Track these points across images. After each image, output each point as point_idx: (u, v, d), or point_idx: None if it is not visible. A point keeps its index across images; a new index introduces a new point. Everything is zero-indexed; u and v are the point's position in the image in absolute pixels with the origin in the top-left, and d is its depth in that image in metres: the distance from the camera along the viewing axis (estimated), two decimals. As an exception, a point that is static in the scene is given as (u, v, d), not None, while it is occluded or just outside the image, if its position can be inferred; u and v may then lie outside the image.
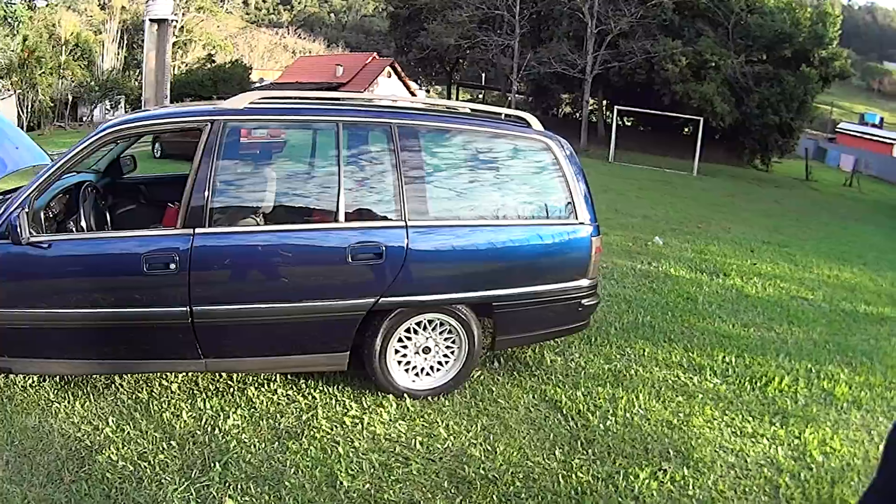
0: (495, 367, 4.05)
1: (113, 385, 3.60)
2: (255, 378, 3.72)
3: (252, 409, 3.43)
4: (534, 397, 3.65)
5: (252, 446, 3.10)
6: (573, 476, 2.92)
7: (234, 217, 3.40)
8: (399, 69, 52.55)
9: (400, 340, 3.50)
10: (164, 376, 3.67)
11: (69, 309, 3.19)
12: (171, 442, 3.10)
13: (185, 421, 3.28)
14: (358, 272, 3.36)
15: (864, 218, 20.17)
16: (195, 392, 3.58)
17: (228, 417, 3.32)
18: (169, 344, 3.34)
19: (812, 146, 38.70)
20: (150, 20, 11.91)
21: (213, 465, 2.92)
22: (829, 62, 30.23)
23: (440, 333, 3.55)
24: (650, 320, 5.52)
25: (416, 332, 3.52)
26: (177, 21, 32.54)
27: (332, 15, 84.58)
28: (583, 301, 3.84)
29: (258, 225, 3.42)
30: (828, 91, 34.16)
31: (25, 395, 3.43)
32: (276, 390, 3.62)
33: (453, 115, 4.09)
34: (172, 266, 3.11)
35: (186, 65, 39.44)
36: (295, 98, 3.92)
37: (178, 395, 3.55)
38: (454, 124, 3.71)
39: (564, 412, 3.52)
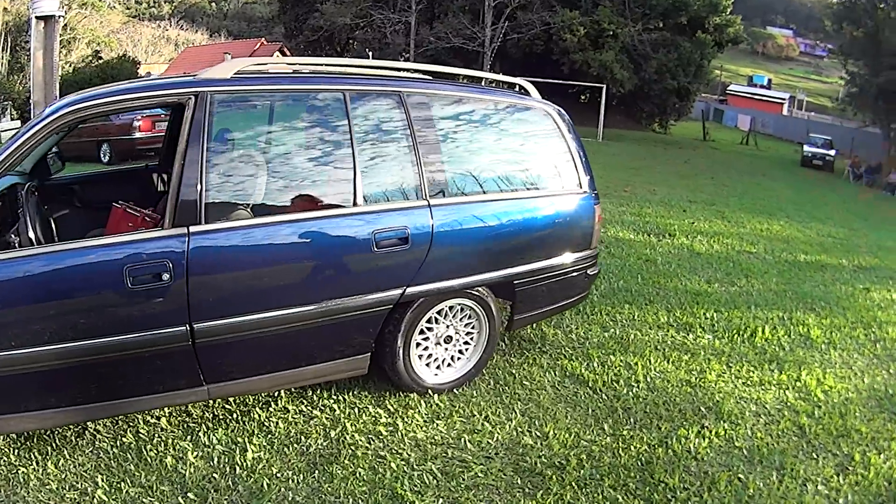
0: (503, 348, 4.07)
1: (87, 433, 2.93)
2: (255, 396, 3.27)
3: (269, 435, 2.97)
4: (556, 374, 3.71)
5: (290, 481, 2.66)
6: (631, 447, 3.00)
7: (233, 209, 2.89)
8: (288, 54, 51.74)
9: (421, 332, 3.30)
10: (146, 412, 3.06)
11: (27, 348, 2.53)
12: (188, 495, 2.57)
13: (193, 464, 2.74)
14: (383, 261, 3.05)
15: (769, 173, 21.64)
16: (190, 425, 3.03)
17: (246, 450, 2.82)
18: (163, 373, 2.81)
19: (707, 108, 41.12)
20: (37, 17, 10.95)
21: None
22: (724, 28, 32.18)
23: (460, 320, 3.44)
24: (624, 285, 5.71)
25: (436, 321, 3.35)
26: (64, 17, 30.33)
27: (213, 4, 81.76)
28: (588, 271, 3.91)
29: (264, 216, 2.91)
30: (718, 55, 36.17)
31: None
32: (285, 407, 3.20)
33: (463, 84, 3.88)
34: (166, 276, 2.62)
35: (72, 64, 36.97)
36: (293, 65, 3.54)
37: (173, 431, 2.97)
38: (466, 93, 3.52)
39: (591, 385, 3.61)
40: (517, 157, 3.60)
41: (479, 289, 3.37)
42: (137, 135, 14.13)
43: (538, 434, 3.06)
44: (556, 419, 3.21)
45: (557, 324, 4.54)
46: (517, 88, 3.85)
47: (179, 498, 2.54)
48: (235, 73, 2.95)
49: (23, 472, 2.65)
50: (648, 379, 3.76)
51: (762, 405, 3.59)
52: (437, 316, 3.35)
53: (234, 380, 2.92)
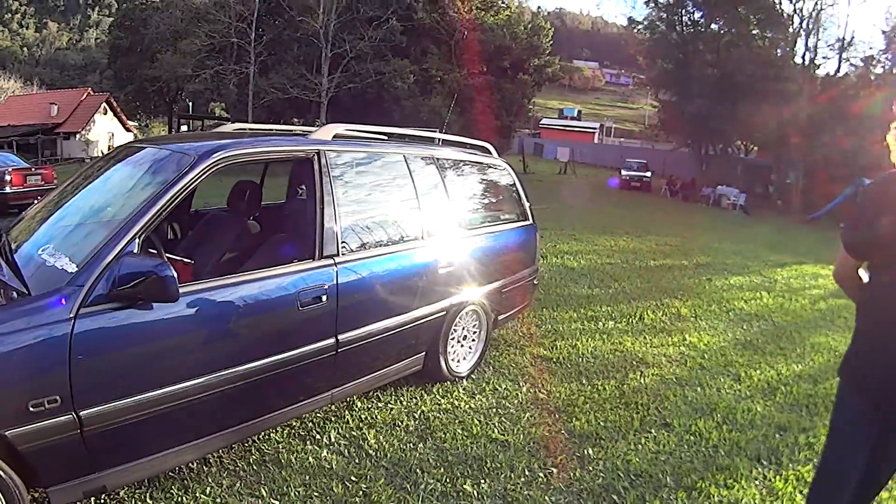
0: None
1: (210, 462, 3.27)
2: (338, 403, 3.98)
3: (373, 426, 3.77)
4: (529, 358, 5.17)
5: (416, 449, 3.52)
6: (605, 389, 4.61)
7: (357, 243, 3.64)
8: (115, 105, 49.84)
9: (451, 332, 4.43)
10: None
11: (193, 379, 2.82)
12: (351, 478, 3.20)
13: (330, 459, 3.39)
14: (443, 279, 4.18)
15: (592, 198, 24.84)
16: (300, 433, 3.66)
17: (366, 438, 3.61)
18: (308, 383, 3.45)
19: (521, 142, 45.39)
20: None
21: None
22: (543, 69, 36.50)
23: (470, 322, 4.69)
24: (539, 294, 7.33)
25: (458, 322, 4.49)
26: None
27: (24, 49, 76.62)
28: (534, 281, 5.48)
29: (373, 248, 3.73)
30: (536, 93, 40.43)
31: None
32: (366, 407, 3.99)
33: (463, 147, 5.09)
34: (324, 298, 3.35)
35: None
36: (367, 132, 4.38)
37: (289, 441, 3.58)
38: (467, 156, 4.86)
39: (556, 361, 5.13)
40: (497, 197, 5.12)
41: (483, 296, 4.67)
42: (8, 189, 13.64)
43: (545, 392, 4.50)
44: (548, 382, 4.67)
45: (507, 328, 6.00)
46: (483, 149, 5.27)
47: (344, 482, 3.19)
48: (335, 135, 3.85)
49: None
50: (589, 352, 5.38)
51: (669, 356, 5.38)
52: (458, 319, 4.53)
53: (350, 382, 3.70)
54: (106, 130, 49.25)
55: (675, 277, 9.04)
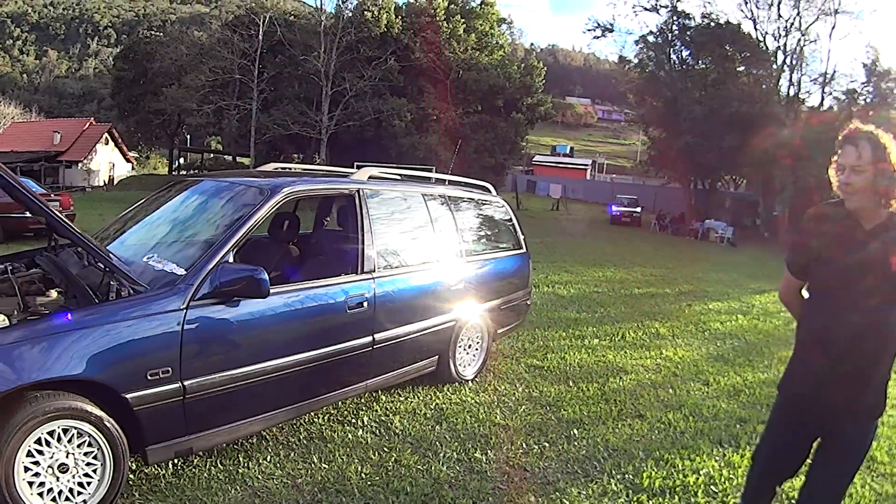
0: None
1: (265, 439, 3.97)
2: (360, 395, 4.67)
3: (397, 413, 4.47)
4: (523, 366, 5.92)
5: (433, 430, 4.25)
6: (588, 390, 5.37)
7: (388, 262, 4.49)
8: (117, 135, 50.87)
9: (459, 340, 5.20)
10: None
11: (268, 361, 3.57)
12: (378, 453, 3.94)
13: (365, 437, 4.14)
14: (455, 292, 5.01)
15: (583, 233, 25.76)
16: (338, 418, 4.38)
17: (392, 422, 4.33)
18: (351, 372, 4.19)
19: (515, 179, 46.49)
20: None
21: None
22: (536, 107, 37.84)
23: (474, 332, 5.45)
24: (532, 317, 8.10)
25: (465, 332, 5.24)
26: None
27: (24, 76, 78.19)
28: (527, 301, 6.28)
29: (400, 267, 4.58)
30: (529, 131, 41.61)
31: None
32: (388, 400, 4.83)
33: (468, 186, 5.99)
34: (365, 305, 4.18)
35: None
36: (393, 175, 5.40)
37: (329, 424, 4.27)
38: (475, 195, 5.75)
39: (546, 369, 5.90)
40: (496, 229, 5.95)
41: (485, 311, 5.44)
42: (28, 213, 14.35)
43: (538, 392, 5.25)
44: (541, 385, 5.43)
45: (504, 342, 6.76)
46: (484, 188, 6.11)
47: (378, 452, 3.94)
48: (370, 177, 4.76)
49: (242, 471, 3.57)
50: (576, 362, 6.17)
51: (646, 367, 6.17)
52: (464, 329, 5.29)
53: (381, 375, 4.46)
54: (107, 160, 50.33)
55: (658, 303, 9.87)
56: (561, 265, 13.83)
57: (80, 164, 46.65)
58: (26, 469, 2.82)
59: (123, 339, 3.04)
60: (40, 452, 2.86)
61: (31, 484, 2.84)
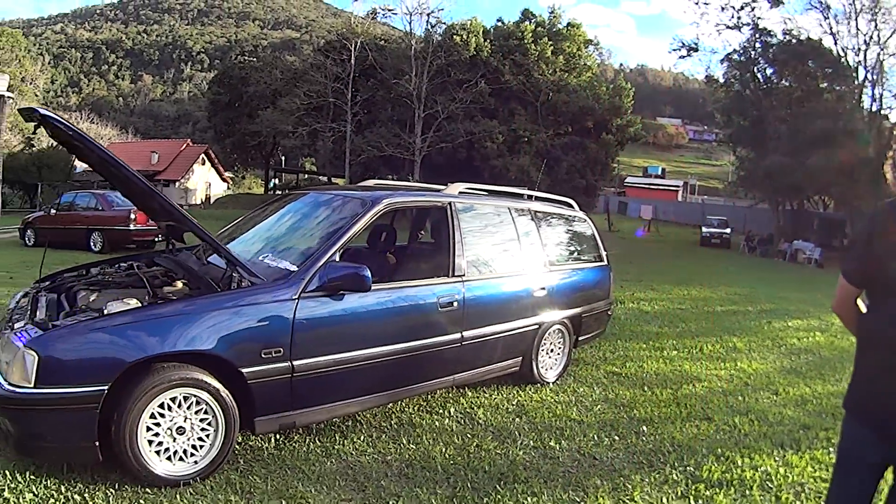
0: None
1: (358, 422, 4.54)
2: (446, 390, 5.34)
3: (483, 406, 5.08)
4: (601, 373, 6.38)
5: (512, 424, 4.72)
6: (663, 395, 5.80)
7: (476, 268, 4.95)
8: (213, 156, 53.34)
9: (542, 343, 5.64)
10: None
11: (366, 349, 4.03)
12: (461, 438, 4.53)
13: (450, 426, 4.63)
14: (545, 297, 5.51)
15: (672, 254, 25.60)
16: (427, 409, 4.87)
17: (476, 413, 4.83)
18: (441, 365, 4.62)
19: (613, 201, 46.36)
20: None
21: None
22: (625, 129, 37.76)
23: (556, 337, 5.93)
24: (609, 331, 8.47)
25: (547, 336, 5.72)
26: (12, 98, 31.15)
27: (120, 99, 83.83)
28: (608, 312, 6.72)
29: (489, 273, 5.07)
30: (620, 152, 41.41)
31: None
32: (473, 394, 5.57)
33: (552, 201, 6.37)
34: (455, 305, 4.64)
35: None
36: (482, 190, 5.78)
37: (416, 413, 4.89)
38: (558, 210, 6.27)
39: (624, 375, 6.34)
40: (578, 242, 6.46)
41: (566, 318, 5.92)
42: (132, 227, 15.75)
43: (614, 394, 5.72)
44: (617, 388, 5.88)
45: (585, 351, 7.20)
46: (568, 204, 6.62)
47: (462, 437, 4.47)
48: (460, 191, 5.26)
49: (338, 447, 4.06)
50: (653, 371, 6.57)
51: (720, 376, 6.51)
52: (547, 334, 5.79)
53: (468, 371, 4.91)
54: (204, 179, 53.40)
55: (738, 320, 10.05)
56: (647, 284, 14.12)
57: (177, 183, 49.46)
58: (148, 429, 3.27)
59: (243, 321, 3.54)
60: (162, 416, 3.31)
61: (150, 442, 3.29)
